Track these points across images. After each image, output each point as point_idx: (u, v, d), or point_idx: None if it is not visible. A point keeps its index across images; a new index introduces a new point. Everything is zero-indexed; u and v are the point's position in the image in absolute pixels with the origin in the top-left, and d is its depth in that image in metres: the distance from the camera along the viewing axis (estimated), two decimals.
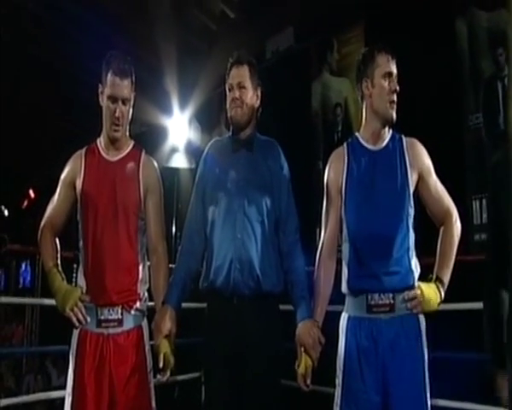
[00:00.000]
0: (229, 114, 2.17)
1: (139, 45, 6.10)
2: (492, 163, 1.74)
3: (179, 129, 6.46)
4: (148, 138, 6.28)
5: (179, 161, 6.35)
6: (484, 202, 3.91)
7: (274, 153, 2.21)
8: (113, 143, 2.18)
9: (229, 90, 2.17)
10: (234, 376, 2.00)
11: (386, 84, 2.03)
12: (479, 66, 4.05)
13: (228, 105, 2.17)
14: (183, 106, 6.48)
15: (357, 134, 2.15)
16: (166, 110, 6.49)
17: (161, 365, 1.98)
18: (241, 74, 2.15)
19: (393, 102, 2.03)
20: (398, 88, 2.04)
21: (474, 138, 4.02)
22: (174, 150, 6.38)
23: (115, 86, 2.09)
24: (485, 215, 3.90)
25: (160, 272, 2.17)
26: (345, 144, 2.15)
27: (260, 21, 6.00)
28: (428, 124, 3.85)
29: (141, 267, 2.15)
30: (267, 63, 5.77)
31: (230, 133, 2.23)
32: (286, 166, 2.21)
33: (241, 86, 2.14)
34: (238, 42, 5.97)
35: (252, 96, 2.16)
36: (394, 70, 2.05)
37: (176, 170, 6.37)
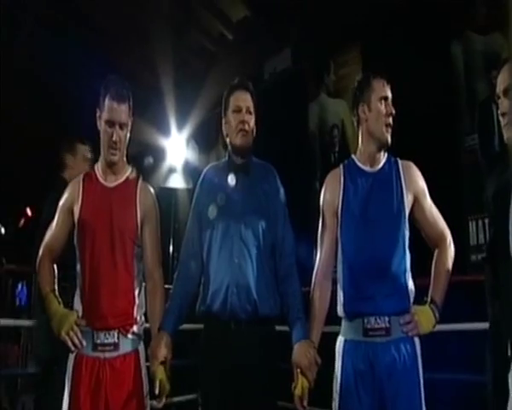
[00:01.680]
0: (235, 140, 2.16)
1: (138, 66, 6.15)
2: (494, 191, 1.77)
3: (177, 149, 6.49)
4: (149, 154, 6.31)
5: (177, 182, 6.36)
6: (480, 222, 3.91)
7: (270, 177, 2.22)
8: (111, 167, 2.19)
9: (237, 111, 2.16)
10: (231, 399, 1.99)
11: (382, 107, 2.06)
12: (474, 88, 4.09)
13: (234, 127, 2.15)
14: (180, 126, 6.51)
15: (353, 156, 2.16)
16: (164, 130, 6.52)
17: (157, 391, 1.97)
18: (248, 100, 2.18)
19: (389, 125, 2.06)
20: (393, 111, 2.07)
21: (471, 160, 4.04)
22: (172, 171, 6.40)
23: (113, 111, 2.11)
24: (481, 236, 3.90)
25: (157, 297, 2.17)
26: (341, 166, 2.17)
27: (258, 43, 6.06)
28: (425, 145, 3.88)
29: (137, 292, 2.15)
30: (265, 84, 5.82)
31: (227, 158, 2.24)
32: (282, 190, 2.22)
33: (249, 112, 2.17)
34: (236, 63, 6.03)
35: (254, 123, 2.19)
36: (389, 94, 2.09)
37: (173, 190, 6.38)
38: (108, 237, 2.10)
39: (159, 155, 6.60)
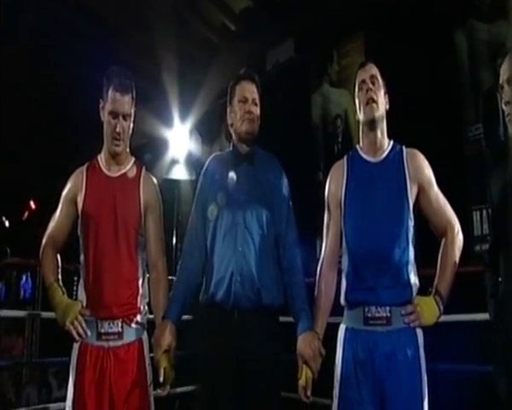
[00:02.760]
0: (241, 127, 2.16)
1: (141, 57, 6.13)
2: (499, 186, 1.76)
3: (180, 141, 6.47)
4: (148, 150, 6.30)
5: (180, 173, 6.34)
6: (484, 212, 3.91)
7: (274, 167, 2.22)
8: (114, 158, 2.20)
9: (242, 102, 2.17)
10: (234, 389, 2.00)
11: (362, 92, 2.07)
12: (478, 77, 4.07)
13: (239, 116, 2.17)
14: (183, 117, 6.49)
15: (357, 146, 2.15)
16: (167, 122, 6.50)
17: (161, 379, 1.98)
18: (254, 91, 2.19)
19: (370, 99, 2.03)
20: (370, 86, 2.05)
21: (475, 149, 4.03)
22: (174, 162, 6.38)
23: (116, 102, 2.11)
24: (485, 226, 3.90)
25: (160, 287, 2.18)
26: (345, 157, 2.16)
27: (261, 34, 6.04)
28: (428, 135, 3.86)
29: (141, 282, 2.16)
30: (267, 75, 5.80)
31: (231, 147, 2.24)
32: (286, 180, 2.22)
33: (255, 103, 2.18)
34: (239, 54, 6.00)
35: (259, 114, 2.20)
36: (369, 74, 2.08)
37: (176, 182, 6.36)
38: (112, 227, 2.11)
39: (161, 146, 6.58)
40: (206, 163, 2.27)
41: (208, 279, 2.11)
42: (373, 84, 2.06)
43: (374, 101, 2.03)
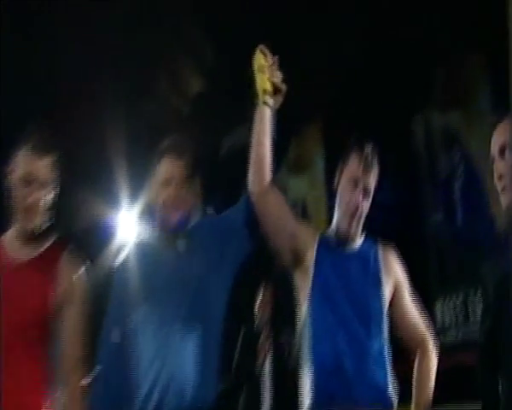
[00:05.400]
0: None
1: (89, 135, 5.97)
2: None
3: (128, 225, 6.23)
4: (93, 235, 6.03)
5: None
6: (446, 303, 3.88)
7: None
8: (25, 237, 1.80)
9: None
10: None
11: (350, 194, 1.90)
12: (435, 165, 4.13)
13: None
14: (132, 201, 6.30)
15: (328, 231, 1.98)
16: (115, 205, 6.28)
17: None
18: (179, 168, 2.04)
19: (358, 218, 1.89)
20: (361, 202, 1.89)
21: (435, 237, 4.03)
22: (123, 248, 6.10)
23: (29, 166, 1.73)
24: (446, 319, 3.86)
25: None
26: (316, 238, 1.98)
27: (216, 118, 6.04)
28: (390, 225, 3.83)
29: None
30: (222, 159, 5.76)
31: None
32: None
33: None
34: (192, 137, 5.95)
35: None
36: (363, 184, 1.90)
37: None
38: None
39: (109, 230, 6.33)
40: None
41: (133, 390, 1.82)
42: (365, 193, 1.89)
43: (360, 217, 1.89)
